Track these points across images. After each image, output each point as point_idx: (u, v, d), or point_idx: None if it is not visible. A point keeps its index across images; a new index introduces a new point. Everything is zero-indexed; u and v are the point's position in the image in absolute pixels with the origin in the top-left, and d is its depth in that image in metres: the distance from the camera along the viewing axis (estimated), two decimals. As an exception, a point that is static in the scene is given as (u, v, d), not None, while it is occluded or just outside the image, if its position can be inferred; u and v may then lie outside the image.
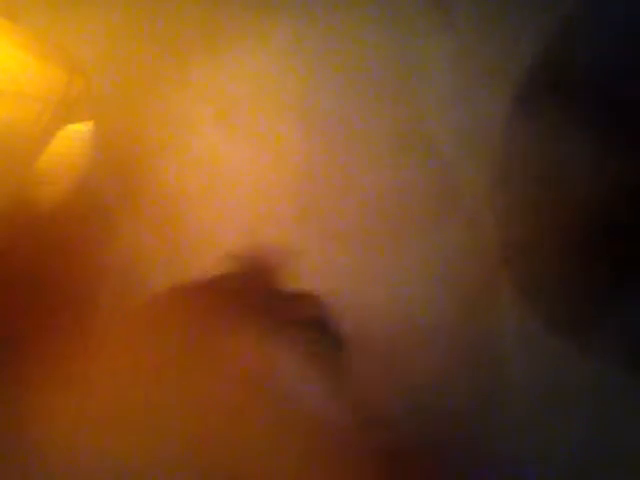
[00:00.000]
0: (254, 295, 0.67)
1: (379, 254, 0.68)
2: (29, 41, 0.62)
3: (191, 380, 0.68)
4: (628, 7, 0.67)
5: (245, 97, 0.70)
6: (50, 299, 0.68)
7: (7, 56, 0.60)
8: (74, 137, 0.62)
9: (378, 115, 0.69)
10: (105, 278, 0.69)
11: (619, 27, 0.67)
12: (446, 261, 0.68)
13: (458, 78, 0.69)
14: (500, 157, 0.68)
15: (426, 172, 0.69)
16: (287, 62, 0.69)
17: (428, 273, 0.68)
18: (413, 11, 0.69)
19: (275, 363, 0.64)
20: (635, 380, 0.65)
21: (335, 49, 0.69)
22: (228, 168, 0.69)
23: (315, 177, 0.69)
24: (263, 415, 0.66)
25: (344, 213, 0.69)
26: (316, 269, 0.69)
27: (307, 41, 0.69)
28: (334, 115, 0.69)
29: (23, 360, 0.67)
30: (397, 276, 0.68)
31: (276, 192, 0.69)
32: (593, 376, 0.66)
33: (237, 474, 0.65)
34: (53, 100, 0.60)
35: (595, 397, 0.66)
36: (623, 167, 0.67)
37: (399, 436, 0.67)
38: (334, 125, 0.69)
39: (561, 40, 0.68)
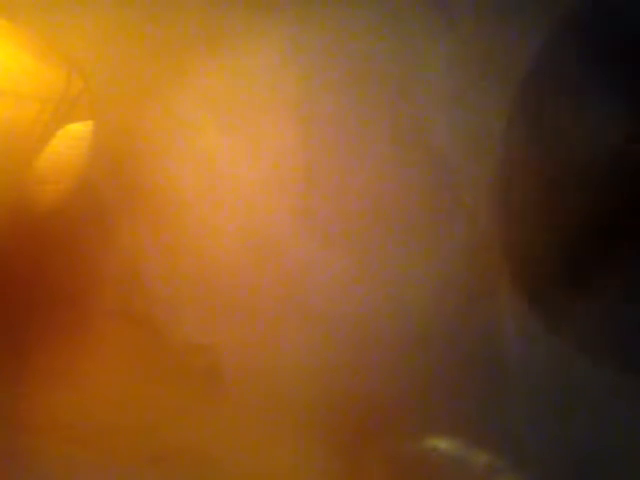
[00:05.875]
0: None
1: (379, 254, 0.68)
2: (29, 41, 0.62)
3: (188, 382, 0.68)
4: (628, 7, 0.67)
5: (245, 97, 0.70)
6: (50, 299, 0.68)
7: (7, 56, 0.60)
8: (74, 136, 0.62)
9: (378, 115, 0.69)
10: (105, 278, 0.69)
11: (619, 26, 0.67)
12: (446, 261, 0.68)
13: (458, 78, 0.69)
14: (500, 157, 0.68)
15: (426, 172, 0.69)
16: (287, 62, 0.70)
17: (428, 273, 0.68)
18: (413, 11, 0.69)
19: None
20: (634, 380, 0.65)
21: (335, 49, 0.69)
22: (228, 168, 0.70)
23: (315, 177, 0.69)
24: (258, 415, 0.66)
25: (344, 213, 0.69)
26: (315, 269, 0.69)
27: (307, 41, 0.69)
28: (334, 115, 0.69)
29: (22, 360, 0.68)
30: (397, 276, 0.68)
31: (276, 192, 0.69)
32: (593, 376, 0.66)
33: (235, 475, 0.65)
34: (53, 100, 0.60)
35: (594, 397, 0.66)
36: (624, 167, 0.67)
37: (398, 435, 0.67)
38: (334, 125, 0.69)
39: (561, 40, 0.68)
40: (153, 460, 0.66)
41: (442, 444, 0.66)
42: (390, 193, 0.69)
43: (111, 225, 0.69)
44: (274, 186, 0.69)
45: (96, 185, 0.68)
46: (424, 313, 0.67)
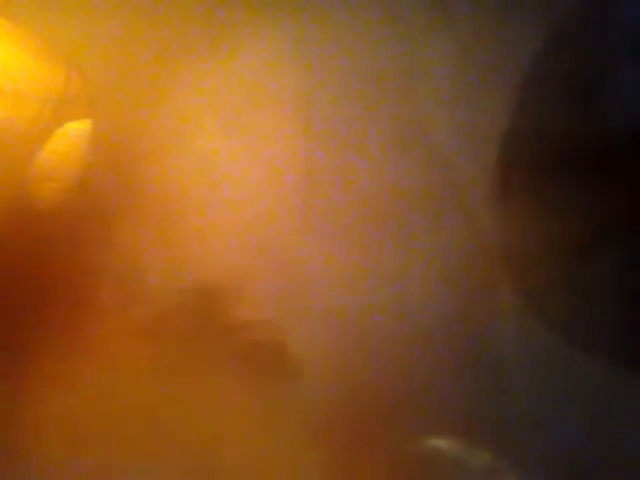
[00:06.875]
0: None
1: (379, 254, 0.68)
2: (28, 40, 0.62)
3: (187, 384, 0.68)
4: (628, 7, 0.67)
5: (245, 97, 0.70)
6: (50, 299, 0.68)
7: (6, 55, 0.60)
8: (73, 135, 0.62)
9: (378, 115, 0.69)
10: (105, 278, 0.69)
11: (619, 26, 0.67)
12: (446, 261, 0.68)
13: (458, 78, 0.69)
14: (500, 157, 0.68)
15: (426, 172, 0.69)
16: (287, 62, 0.70)
17: (428, 273, 0.68)
18: (413, 11, 0.69)
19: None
20: (635, 380, 0.65)
21: (335, 49, 0.69)
22: (228, 168, 0.70)
23: (315, 177, 0.69)
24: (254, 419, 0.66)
25: (344, 213, 0.69)
26: (316, 269, 0.69)
27: (307, 41, 0.70)
28: (334, 115, 0.69)
29: (22, 360, 0.68)
30: (397, 276, 0.68)
31: (276, 192, 0.69)
32: (593, 376, 0.65)
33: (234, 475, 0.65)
34: (52, 99, 0.60)
35: (595, 397, 0.65)
36: (624, 168, 0.67)
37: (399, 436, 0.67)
38: (334, 125, 0.69)
39: (561, 40, 0.68)
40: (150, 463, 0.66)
41: (442, 444, 0.66)
42: (390, 192, 0.69)
43: (111, 225, 0.69)
44: (275, 186, 0.69)
45: (96, 184, 0.68)
46: (424, 311, 0.67)
